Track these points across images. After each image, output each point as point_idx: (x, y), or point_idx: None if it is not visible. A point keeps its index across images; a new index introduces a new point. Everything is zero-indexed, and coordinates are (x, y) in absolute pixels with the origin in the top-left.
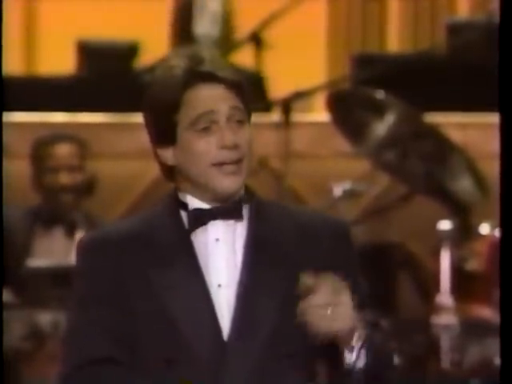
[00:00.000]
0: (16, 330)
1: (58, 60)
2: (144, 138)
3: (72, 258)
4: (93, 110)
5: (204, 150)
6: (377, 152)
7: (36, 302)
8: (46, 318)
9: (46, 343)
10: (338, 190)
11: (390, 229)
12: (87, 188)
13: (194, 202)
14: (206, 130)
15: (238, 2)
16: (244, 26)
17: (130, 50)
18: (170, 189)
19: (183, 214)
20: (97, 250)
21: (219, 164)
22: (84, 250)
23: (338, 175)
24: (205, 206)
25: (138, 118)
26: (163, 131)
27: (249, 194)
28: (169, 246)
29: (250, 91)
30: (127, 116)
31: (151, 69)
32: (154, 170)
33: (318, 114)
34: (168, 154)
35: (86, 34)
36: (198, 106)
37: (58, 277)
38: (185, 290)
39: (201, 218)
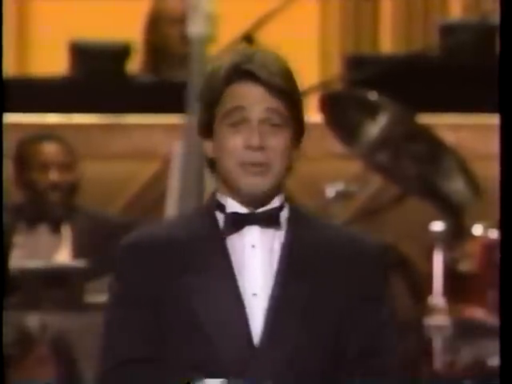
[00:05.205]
0: (4, 333)
1: (50, 61)
2: (137, 140)
3: (58, 256)
4: (86, 111)
5: (232, 147)
6: (369, 153)
7: (24, 304)
8: (34, 321)
9: (34, 346)
10: (330, 191)
11: (382, 230)
12: (74, 188)
13: (233, 205)
14: (237, 127)
15: (232, 2)
16: (237, 26)
17: (124, 51)
18: (162, 191)
19: (220, 216)
20: (134, 254)
21: (243, 164)
22: (122, 253)
23: (331, 176)
24: (243, 209)
25: (131, 119)
26: (204, 124)
27: (288, 202)
28: (204, 250)
29: (301, 100)
30: (120, 117)
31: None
32: (146, 171)
33: (311, 115)
34: (209, 147)
35: (79, 34)
36: (231, 101)
37: (47, 278)
38: (217, 295)
39: (237, 223)
